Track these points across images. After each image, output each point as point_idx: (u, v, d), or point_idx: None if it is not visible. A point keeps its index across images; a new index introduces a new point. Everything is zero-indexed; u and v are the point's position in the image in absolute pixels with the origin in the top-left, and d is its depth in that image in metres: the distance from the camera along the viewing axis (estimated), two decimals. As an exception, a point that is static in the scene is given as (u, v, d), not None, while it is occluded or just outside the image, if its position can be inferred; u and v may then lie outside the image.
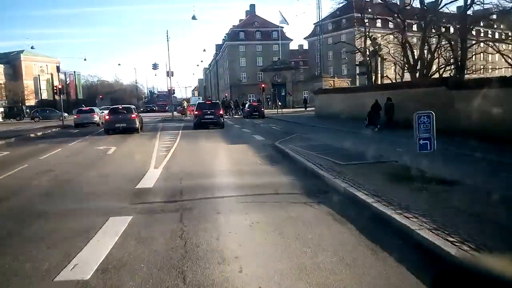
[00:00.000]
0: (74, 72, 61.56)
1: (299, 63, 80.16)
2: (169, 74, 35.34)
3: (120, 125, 18.70)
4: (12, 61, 65.13)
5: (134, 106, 23.90)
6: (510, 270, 1.32)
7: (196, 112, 21.34)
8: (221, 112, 21.55)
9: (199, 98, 60.54)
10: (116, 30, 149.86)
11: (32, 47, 49.96)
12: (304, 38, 78.38)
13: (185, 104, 40.05)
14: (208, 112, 20.91)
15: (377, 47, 32.05)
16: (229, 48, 76.71)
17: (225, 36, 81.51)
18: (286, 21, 63.96)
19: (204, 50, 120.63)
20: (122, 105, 23.02)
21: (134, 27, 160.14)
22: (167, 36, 34.51)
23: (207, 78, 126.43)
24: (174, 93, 38.69)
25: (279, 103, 55.42)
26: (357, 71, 33.16)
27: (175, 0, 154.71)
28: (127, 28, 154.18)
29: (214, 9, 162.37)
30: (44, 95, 58.78)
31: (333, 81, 42.09)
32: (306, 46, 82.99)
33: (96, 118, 25.83)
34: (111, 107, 23.57)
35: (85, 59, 57.79)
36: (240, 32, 76.79)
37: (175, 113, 41.41)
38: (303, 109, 45.95)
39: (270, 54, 74.82)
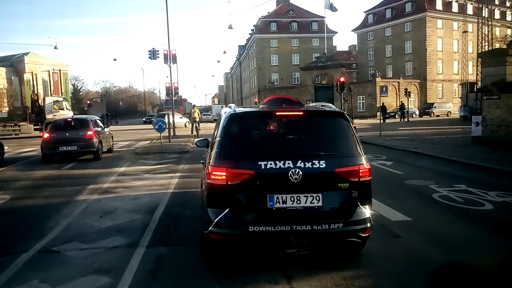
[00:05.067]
0: (60, 70, 47.41)
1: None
2: (169, 59, 19.68)
3: (67, 149, 12.30)
4: (15, 64, 57.57)
5: (96, 118, 15.89)
6: (507, 270, 1.29)
7: (215, 176, 3.59)
8: (367, 171, 3.77)
9: (222, 107, 35.49)
10: (135, 35, 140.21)
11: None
12: (352, 31, 62.52)
13: (196, 113, 22.62)
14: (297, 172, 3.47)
15: None
16: (258, 43, 61.56)
17: (252, 29, 66.33)
18: (333, 7, 47.75)
19: (224, 52, 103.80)
20: (73, 116, 16.14)
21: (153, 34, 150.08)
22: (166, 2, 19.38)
23: (228, 83, 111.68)
24: (177, 93, 22.99)
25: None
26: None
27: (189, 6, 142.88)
28: (145, 34, 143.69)
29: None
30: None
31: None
32: (340, 46, 66.86)
33: None
34: (56, 120, 15.74)
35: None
36: (271, 23, 61.63)
37: (180, 129, 25.56)
38: (380, 120, 29.72)
39: (309, 51, 59.54)
